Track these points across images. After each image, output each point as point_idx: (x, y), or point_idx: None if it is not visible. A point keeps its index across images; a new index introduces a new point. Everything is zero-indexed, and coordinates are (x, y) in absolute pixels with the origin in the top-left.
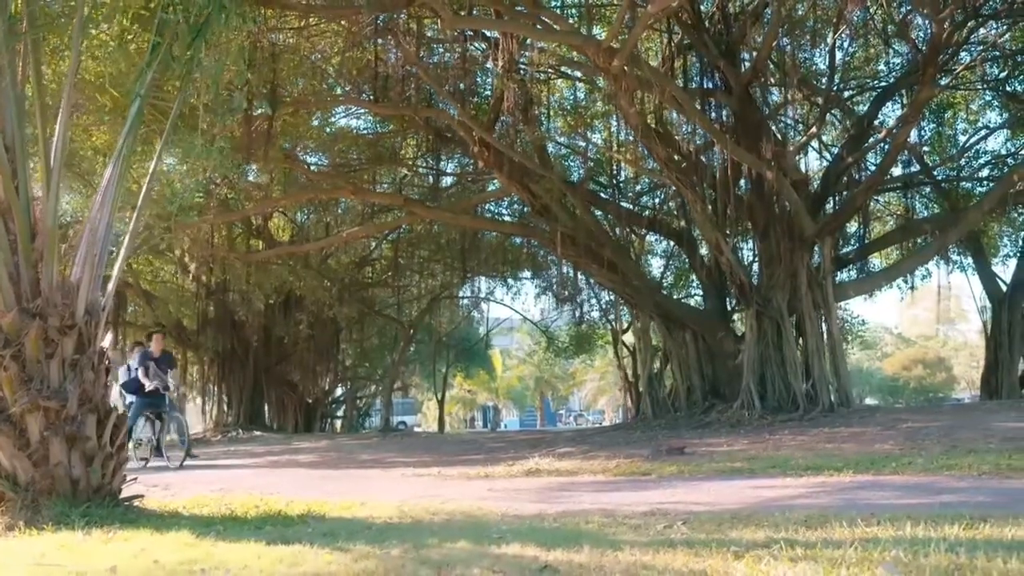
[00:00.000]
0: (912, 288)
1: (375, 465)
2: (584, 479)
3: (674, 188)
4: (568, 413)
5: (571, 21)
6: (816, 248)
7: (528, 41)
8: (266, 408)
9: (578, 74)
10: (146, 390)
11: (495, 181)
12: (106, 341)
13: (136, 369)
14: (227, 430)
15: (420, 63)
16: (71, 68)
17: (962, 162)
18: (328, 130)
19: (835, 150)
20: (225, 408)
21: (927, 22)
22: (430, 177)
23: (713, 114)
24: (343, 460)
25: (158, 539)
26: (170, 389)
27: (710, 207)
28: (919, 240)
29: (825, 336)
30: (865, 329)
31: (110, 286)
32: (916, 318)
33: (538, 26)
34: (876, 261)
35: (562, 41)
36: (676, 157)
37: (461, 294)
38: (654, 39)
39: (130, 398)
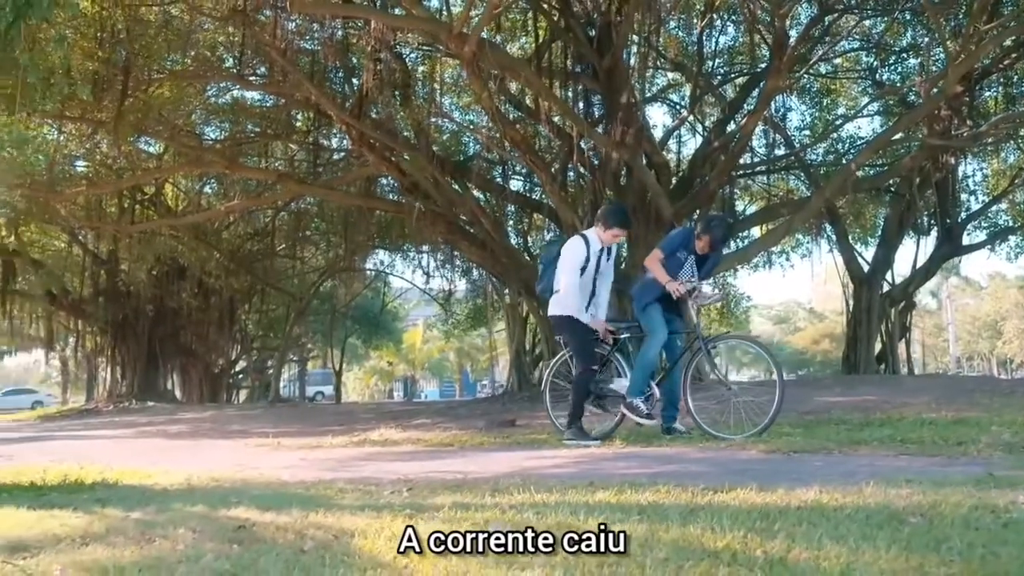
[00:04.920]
0: (791, 266)
1: (234, 436)
2: (399, 449)
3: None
4: (491, 383)
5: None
6: None
7: None
8: (168, 378)
9: None
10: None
11: None
12: None
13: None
14: (120, 400)
15: (275, 44)
16: None
17: (839, 147)
18: (220, 102)
19: None
20: (119, 378)
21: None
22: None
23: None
24: (210, 431)
25: None
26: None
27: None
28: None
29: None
30: (746, 305)
31: None
32: (829, 294)
33: (397, 10)
34: None
35: (413, 27)
36: (557, 140)
37: (366, 267)
38: (519, 23)
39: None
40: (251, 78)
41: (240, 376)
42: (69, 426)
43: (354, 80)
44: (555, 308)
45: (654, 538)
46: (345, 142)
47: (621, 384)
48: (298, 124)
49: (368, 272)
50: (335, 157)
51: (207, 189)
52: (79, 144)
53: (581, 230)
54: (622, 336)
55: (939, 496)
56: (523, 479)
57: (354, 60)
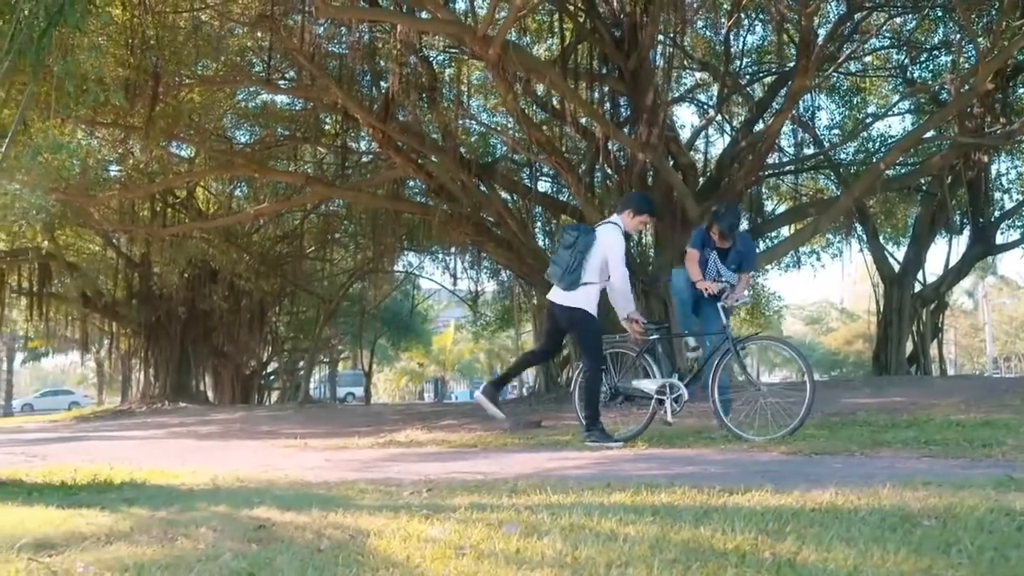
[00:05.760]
0: (822, 266)
1: (263, 436)
2: (424, 450)
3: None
4: (520, 384)
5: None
6: None
7: None
8: (200, 380)
9: None
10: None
11: None
12: None
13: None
14: (153, 402)
15: (302, 49)
16: None
17: (869, 146)
18: (250, 106)
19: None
20: (152, 380)
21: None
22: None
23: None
24: (240, 431)
25: None
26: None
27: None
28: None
29: None
30: (778, 306)
31: None
32: (862, 294)
33: (423, 14)
34: None
35: (438, 30)
36: (583, 142)
37: (395, 268)
38: (545, 25)
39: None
40: (280, 82)
41: (271, 377)
42: (103, 427)
43: (382, 83)
44: (571, 300)
45: (665, 539)
46: (373, 145)
47: (649, 385)
48: (327, 127)
49: (397, 274)
50: (363, 160)
51: (238, 192)
52: (112, 149)
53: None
54: (651, 338)
55: (956, 499)
56: (542, 480)
57: (381, 63)
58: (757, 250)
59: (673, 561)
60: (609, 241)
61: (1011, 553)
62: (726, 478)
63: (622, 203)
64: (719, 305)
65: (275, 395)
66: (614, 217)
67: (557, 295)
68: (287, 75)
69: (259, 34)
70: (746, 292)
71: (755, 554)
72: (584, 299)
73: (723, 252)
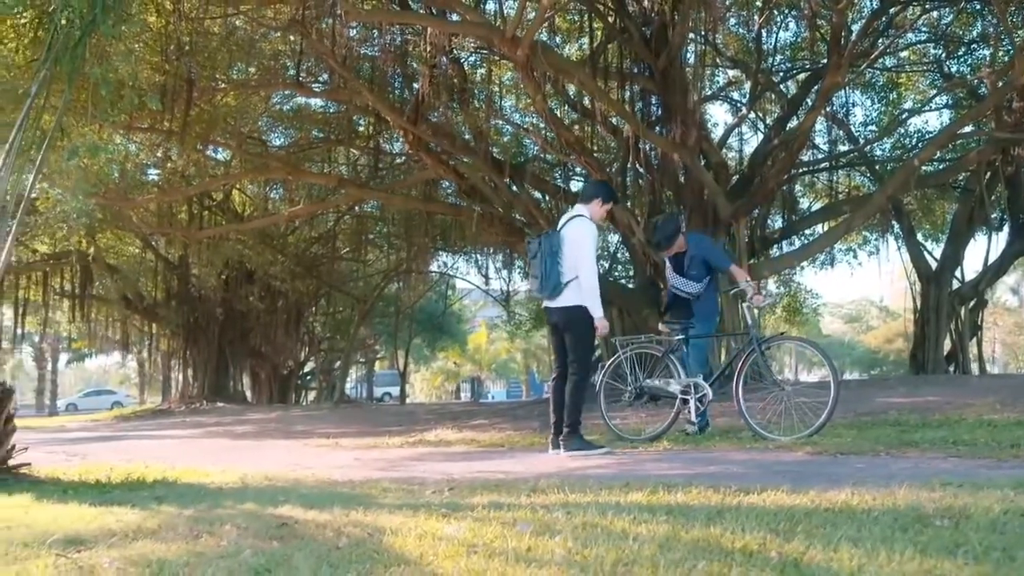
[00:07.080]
0: (859, 264)
1: (296, 436)
2: (452, 450)
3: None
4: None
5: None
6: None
7: None
8: (238, 380)
9: None
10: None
11: None
12: None
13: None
14: (192, 401)
15: (333, 53)
16: None
17: (906, 142)
18: (285, 109)
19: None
20: (190, 380)
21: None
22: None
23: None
24: (274, 431)
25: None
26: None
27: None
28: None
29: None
30: (814, 304)
31: None
32: (903, 291)
33: (453, 16)
34: None
35: (466, 32)
36: (614, 141)
37: (429, 269)
38: (576, 24)
39: None
40: (313, 86)
41: (308, 377)
42: (142, 426)
43: (413, 85)
44: (565, 301)
45: (675, 538)
46: (406, 147)
47: (674, 384)
48: (360, 130)
49: (431, 274)
50: (396, 161)
51: (273, 194)
52: (149, 153)
53: (636, 230)
54: (676, 338)
55: (972, 499)
56: (562, 479)
57: (412, 66)
58: (713, 244)
59: (680, 560)
60: (576, 235)
61: (1019, 554)
62: (745, 478)
63: (588, 191)
64: (743, 307)
65: (312, 395)
66: (579, 208)
67: (551, 301)
68: (320, 78)
69: (291, 38)
70: (773, 290)
71: (762, 553)
72: (579, 296)
73: (679, 258)
